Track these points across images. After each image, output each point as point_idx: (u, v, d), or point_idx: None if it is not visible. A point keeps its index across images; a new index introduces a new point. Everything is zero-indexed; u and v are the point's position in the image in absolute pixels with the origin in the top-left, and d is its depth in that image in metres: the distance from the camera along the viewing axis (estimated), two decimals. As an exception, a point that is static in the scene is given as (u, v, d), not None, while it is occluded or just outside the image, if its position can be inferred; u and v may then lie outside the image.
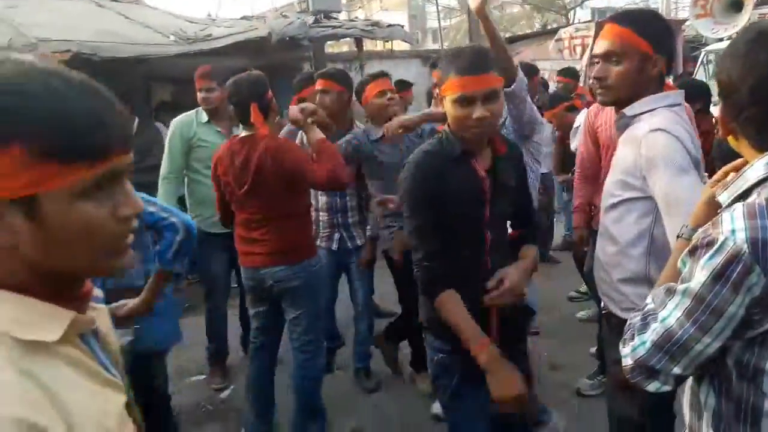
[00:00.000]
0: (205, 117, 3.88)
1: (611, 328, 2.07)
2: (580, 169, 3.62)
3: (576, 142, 4.05)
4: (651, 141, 1.82)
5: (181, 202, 4.00)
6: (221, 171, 2.96)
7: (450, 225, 1.95)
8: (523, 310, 2.16)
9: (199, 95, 3.81)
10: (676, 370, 1.18)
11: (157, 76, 7.10)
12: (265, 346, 3.22)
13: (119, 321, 2.08)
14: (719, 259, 1.11)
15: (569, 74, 6.16)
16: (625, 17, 1.98)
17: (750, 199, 1.17)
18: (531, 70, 5.51)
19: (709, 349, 1.14)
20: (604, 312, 2.13)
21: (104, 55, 5.50)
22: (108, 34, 5.88)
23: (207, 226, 3.75)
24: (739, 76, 1.18)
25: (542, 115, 4.47)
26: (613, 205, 1.98)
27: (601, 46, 1.98)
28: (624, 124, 2.00)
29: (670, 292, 1.19)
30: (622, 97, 1.97)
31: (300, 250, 2.99)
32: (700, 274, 1.13)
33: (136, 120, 5.94)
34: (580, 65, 8.24)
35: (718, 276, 1.10)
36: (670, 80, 5.88)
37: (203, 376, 4.17)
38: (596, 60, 2.01)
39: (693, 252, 1.16)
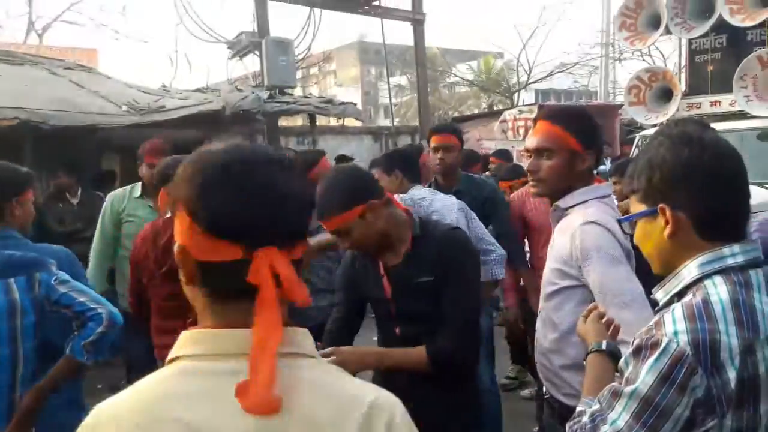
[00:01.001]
0: (138, 191, 3.78)
1: (552, 411, 2.10)
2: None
3: None
4: (584, 233, 1.91)
5: (111, 275, 3.91)
6: (141, 252, 2.82)
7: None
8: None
9: (148, 170, 3.66)
10: None
11: (108, 146, 7.07)
12: None
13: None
14: (665, 361, 1.14)
15: (502, 156, 6.48)
16: (555, 115, 2.12)
17: (687, 299, 1.23)
18: (474, 157, 5.77)
19: None
20: (546, 396, 2.16)
21: (54, 123, 5.48)
22: (60, 102, 5.87)
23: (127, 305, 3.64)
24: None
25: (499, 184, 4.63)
26: (553, 293, 2.04)
27: (532, 142, 2.09)
28: (557, 216, 2.11)
29: (616, 395, 1.21)
30: (553, 189, 2.08)
31: None
32: (647, 376, 1.16)
33: (79, 190, 5.92)
34: (523, 146, 8.62)
35: (665, 378, 1.14)
36: (607, 163, 6.23)
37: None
38: (529, 153, 2.14)
39: (637, 352, 1.20)
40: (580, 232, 1.91)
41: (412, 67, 18.70)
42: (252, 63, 9.20)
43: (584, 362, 1.52)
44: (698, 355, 1.14)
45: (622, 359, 1.27)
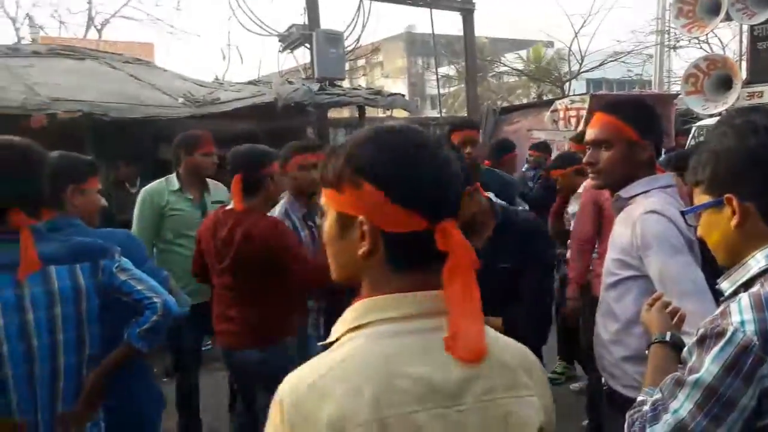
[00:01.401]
0: (176, 185, 3.77)
1: (612, 403, 2.09)
2: (577, 241, 3.69)
3: (574, 207, 4.10)
4: (645, 222, 1.91)
5: None
6: (205, 242, 2.89)
7: None
8: None
9: (206, 159, 3.76)
10: None
11: (165, 137, 7.27)
12: (246, 428, 3.06)
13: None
14: (730, 351, 1.15)
15: (540, 148, 6.38)
16: (611, 106, 2.11)
17: (754, 289, 1.22)
18: (508, 146, 5.69)
19: None
20: (605, 388, 2.16)
21: (114, 115, 5.67)
22: (118, 95, 6.07)
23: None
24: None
25: (549, 175, 4.56)
26: (614, 284, 2.04)
27: (589, 135, 2.11)
28: (619, 205, 2.10)
29: (679, 384, 1.21)
30: (612, 180, 2.08)
31: (273, 331, 2.82)
32: (711, 365, 1.16)
33: (138, 180, 6.11)
34: (584, 139, 8.47)
35: (730, 368, 1.14)
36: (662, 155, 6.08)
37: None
38: (588, 146, 2.13)
39: (701, 342, 1.20)
40: (640, 221, 1.91)
41: (460, 56, 18.59)
42: (302, 55, 9.32)
43: (646, 353, 1.52)
44: (765, 344, 1.13)
45: (685, 349, 1.27)
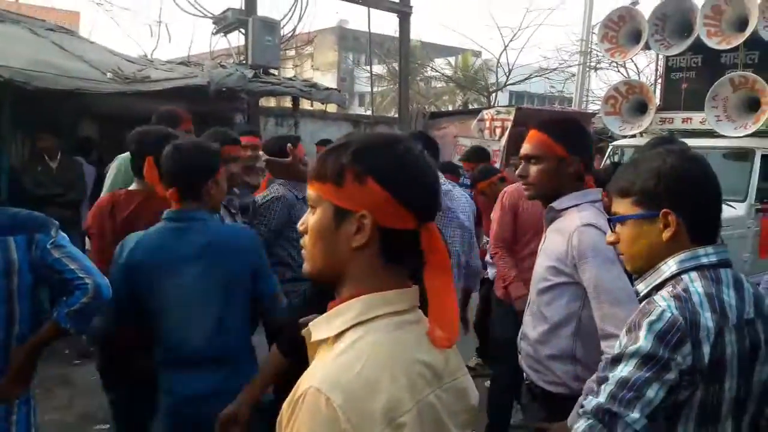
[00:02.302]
0: None
1: (534, 396, 2.26)
2: (501, 242, 3.87)
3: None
4: (582, 235, 2.07)
5: None
6: (95, 224, 2.67)
7: None
8: None
9: (186, 135, 3.62)
10: (634, 415, 1.33)
11: (86, 112, 6.98)
12: None
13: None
14: (660, 326, 1.35)
15: (479, 154, 6.62)
16: (543, 125, 2.29)
17: (667, 289, 1.43)
18: (483, 155, 5.88)
19: (658, 397, 1.33)
20: (526, 382, 2.31)
21: (38, 84, 5.39)
22: (42, 63, 5.76)
23: None
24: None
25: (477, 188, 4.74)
26: (545, 289, 2.19)
27: (523, 149, 2.28)
28: (551, 216, 2.26)
29: (617, 359, 1.39)
30: (542, 192, 2.25)
31: None
32: (646, 337, 1.35)
33: (59, 154, 5.83)
34: (499, 146, 8.82)
35: (661, 338, 1.34)
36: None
37: (107, 426, 4.02)
38: (520, 160, 2.30)
39: (630, 330, 1.39)
40: (578, 233, 2.06)
41: (391, 56, 18.77)
42: (235, 39, 9.17)
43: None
44: (686, 326, 1.33)
45: (617, 344, 1.43)
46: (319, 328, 1.08)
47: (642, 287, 1.51)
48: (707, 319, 1.35)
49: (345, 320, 1.05)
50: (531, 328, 2.25)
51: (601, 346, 1.96)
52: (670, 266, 1.46)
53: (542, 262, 2.22)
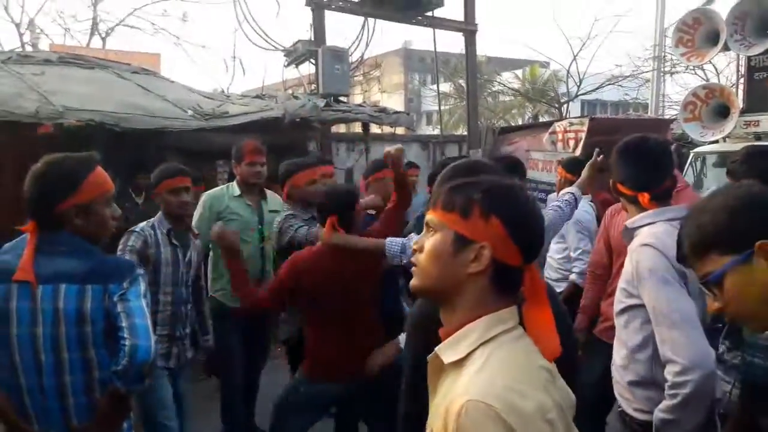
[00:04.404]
0: (237, 191, 4.01)
1: (625, 425, 2.19)
2: (591, 269, 3.69)
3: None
4: (639, 255, 2.03)
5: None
6: (319, 280, 2.92)
7: None
8: None
9: (250, 169, 3.95)
10: None
11: (171, 149, 7.32)
12: None
13: None
14: None
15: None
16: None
17: None
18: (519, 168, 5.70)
19: None
20: (619, 409, 2.25)
21: (126, 125, 5.72)
22: (129, 105, 6.11)
23: (230, 300, 3.86)
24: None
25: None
26: (621, 311, 2.15)
27: None
28: (628, 235, 2.20)
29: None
30: None
31: None
32: None
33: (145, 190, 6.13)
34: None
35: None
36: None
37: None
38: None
39: None
40: (636, 254, 2.03)
41: (457, 74, 18.75)
42: (306, 69, 9.42)
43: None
44: None
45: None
46: (446, 352, 1.22)
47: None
48: None
49: (470, 342, 1.20)
50: (616, 353, 2.20)
51: (665, 372, 1.89)
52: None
53: (619, 284, 2.18)
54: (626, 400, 2.16)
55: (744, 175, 2.33)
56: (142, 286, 2.13)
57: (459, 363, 1.19)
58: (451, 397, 1.13)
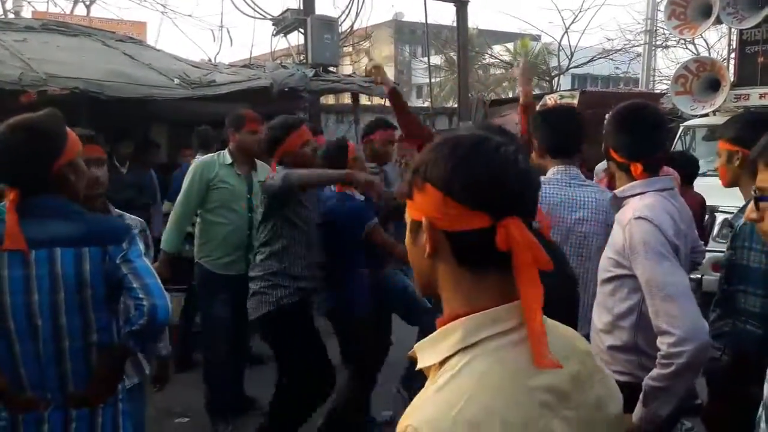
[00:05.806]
0: (228, 159, 3.95)
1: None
2: None
3: None
4: (633, 228, 2.01)
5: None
6: None
7: None
8: None
9: (252, 137, 3.86)
10: None
11: (156, 117, 7.23)
12: None
13: None
14: None
15: None
16: None
17: None
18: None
19: None
20: None
21: (110, 94, 5.63)
22: (114, 73, 6.01)
23: (215, 267, 3.85)
24: None
25: None
26: (607, 280, 2.15)
27: None
28: (616, 204, 2.20)
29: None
30: None
31: None
32: None
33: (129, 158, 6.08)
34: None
35: None
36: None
37: (186, 419, 4.17)
38: None
39: None
40: (629, 226, 2.02)
41: (448, 46, 18.58)
42: (294, 39, 9.30)
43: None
44: None
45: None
46: (424, 353, 1.00)
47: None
48: None
49: (449, 345, 0.96)
50: (597, 318, 2.22)
51: (657, 342, 1.90)
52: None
53: (606, 253, 2.17)
54: (604, 362, 2.18)
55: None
56: (141, 245, 2.10)
57: (436, 368, 0.97)
58: (408, 409, 0.94)
